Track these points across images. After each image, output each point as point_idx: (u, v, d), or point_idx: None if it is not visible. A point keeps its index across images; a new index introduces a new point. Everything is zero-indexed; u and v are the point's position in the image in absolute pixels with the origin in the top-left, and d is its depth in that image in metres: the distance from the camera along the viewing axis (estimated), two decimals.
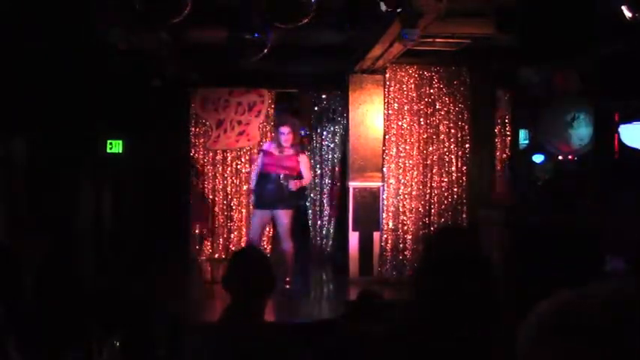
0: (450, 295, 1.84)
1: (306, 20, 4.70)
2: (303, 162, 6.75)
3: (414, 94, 7.71)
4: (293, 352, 2.56)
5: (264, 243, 8.53)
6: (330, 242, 9.29)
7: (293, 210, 6.78)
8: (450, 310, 1.81)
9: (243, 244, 8.91)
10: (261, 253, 2.80)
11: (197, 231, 9.11)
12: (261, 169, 6.76)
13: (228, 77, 8.86)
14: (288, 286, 6.59)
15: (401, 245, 7.66)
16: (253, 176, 6.98)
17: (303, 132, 9.47)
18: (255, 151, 8.69)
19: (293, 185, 6.63)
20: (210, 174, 9.18)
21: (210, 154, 9.17)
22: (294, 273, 6.92)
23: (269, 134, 9.02)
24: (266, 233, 8.45)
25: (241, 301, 2.54)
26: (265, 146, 6.99)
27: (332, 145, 9.37)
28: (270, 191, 6.61)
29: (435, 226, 7.62)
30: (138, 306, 5.41)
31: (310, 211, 9.42)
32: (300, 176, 6.80)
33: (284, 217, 6.65)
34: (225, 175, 9.17)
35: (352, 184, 7.90)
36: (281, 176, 6.58)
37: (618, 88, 6.68)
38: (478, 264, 1.89)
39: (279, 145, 6.70)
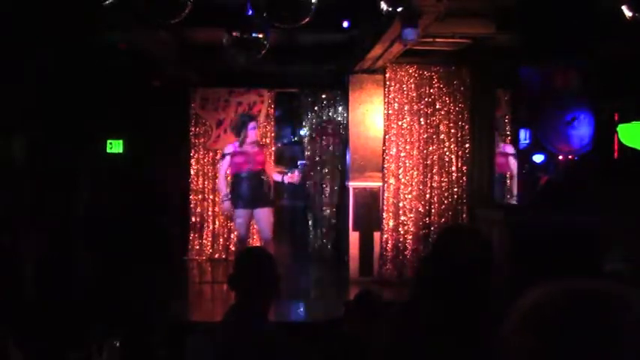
0: (458, 296, 1.84)
1: (306, 20, 4.70)
2: (267, 154, 6.83)
3: (414, 94, 7.70)
4: (295, 352, 2.56)
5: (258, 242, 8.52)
6: (330, 242, 9.28)
7: (274, 208, 6.80)
8: (457, 311, 1.81)
9: (237, 245, 8.91)
10: (268, 253, 2.80)
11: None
12: (233, 170, 6.74)
13: (228, 77, 8.86)
14: None
15: (401, 245, 7.65)
16: (221, 182, 6.96)
17: (302, 132, 9.49)
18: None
19: (291, 179, 6.66)
20: (210, 174, 9.18)
21: (210, 154, 9.16)
22: (294, 272, 6.92)
23: (269, 134, 9.03)
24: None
25: (247, 300, 2.54)
26: (229, 149, 6.83)
27: (332, 145, 9.37)
28: (247, 190, 6.61)
29: (435, 226, 7.62)
30: (138, 306, 5.41)
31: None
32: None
33: (266, 215, 6.65)
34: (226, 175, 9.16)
35: (352, 184, 7.89)
36: (261, 172, 6.62)
37: (618, 88, 6.69)
38: (486, 266, 1.90)
39: (245, 143, 6.66)
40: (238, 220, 6.84)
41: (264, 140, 8.63)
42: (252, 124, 6.75)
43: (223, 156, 6.89)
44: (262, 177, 6.62)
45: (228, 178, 6.97)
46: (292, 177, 6.70)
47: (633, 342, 0.77)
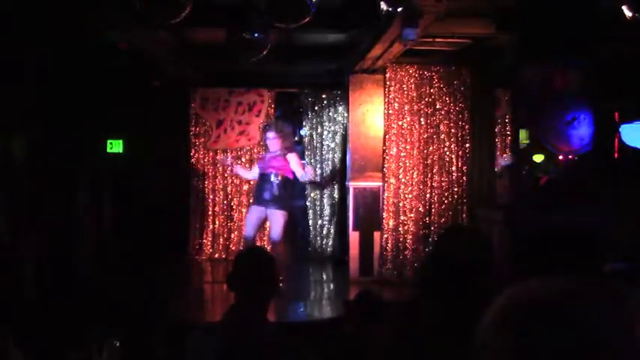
0: (460, 296, 1.84)
1: (306, 20, 4.70)
2: (292, 160, 6.93)
3: (414, 94, 7.70)
4: (296, 352, 2.56)
5: (258, 241, 8.54)
6: (330, 242, 9.28)
7: (287, 211, 6.90)
8: (457, 311, 1.81)
9: (243, 244, 8.92)
10: (267, 254, 2.81)
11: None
12: (259, 171, 7.11)
13: (228, 77, 8.86)
14: (280, 285, 6.62)
15: (401, 245, 7.65)
16: (242, 170, 7.70)
17: (302, 132, 9.49)
18: (255, 150, 8.86)
19: (310, 173, 7.16)
20: (210, 174, 9.18)
21: (210, 153, 9.16)
22: (294, 272, 6.93)
23: None
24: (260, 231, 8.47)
25: (246, 301, 2.54)
26: (261, 156, 7.49)
27: (332, 145, 9.37)
28: (264, 190, 6.90)
29: (435, 226, 7.62)
30: (138, 306, 5.42)
31: (310, 211, 9.41)
32: (295, 177, 7.02)
33: (277, 217, 6.83)
34: (226, 175, 9.17)
35: (352, 184, 7.89)
36: (274, 175, 6.86)
37: (618, 88, 6.68)
38: (487, 265, 1.90)
39: (268, 150, 7.06)
40: (248, 215, 7.18)
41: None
42: (268, 134, 7.01)
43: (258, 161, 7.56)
44: (272, 180, 6.83)
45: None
46: (308, 171, 7.10)
47: (622, 342, 0.77)
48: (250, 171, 7.57)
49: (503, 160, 8.28)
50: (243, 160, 9.14)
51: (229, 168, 8.08)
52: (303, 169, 7.02)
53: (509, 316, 0.82)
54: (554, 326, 0.78)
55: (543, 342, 0.78)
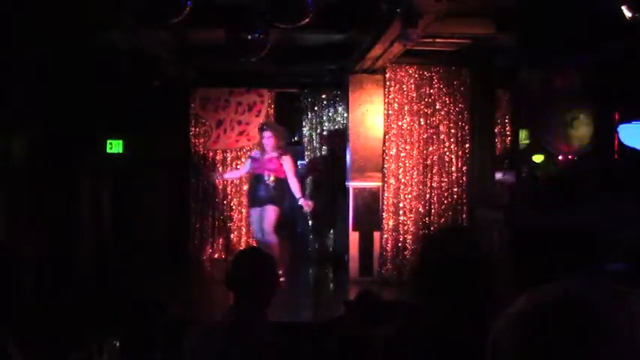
0: (456, 296, 1.84)
1: (306, 20, 4.70)
2: (287, 164, 7.02)
3: (414, 94, 7.70)
4: (295, 352, 2.56)
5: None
6: (330, 242, 9.28)
7: (279, 208, 7.04)
8: (457, 312, 1.81)
9: (243, 244, 8.93)
10: (265, 253, 2.80)
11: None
12: (253, 172, 7.22)
13: (228, 77, 8.86)
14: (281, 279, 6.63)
15: (401, 245, 7.65)
16: (232, 171, 7.89)
17: (296, 136, 9.52)
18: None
19: (306, 206, 7.15)
20: (210, 174, 9.17)
21: (211, 154, 9.16)
22: (294, 272, 6.94)
23: None
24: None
25: (245, 301, 2.54)
26: (253, 154, 7.47)
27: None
28: (260, 191, 7.02)
29: (435, 226, 7.62)
30: (138, 306, 5.41)
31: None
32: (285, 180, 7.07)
33: (270, 212, 6.96)
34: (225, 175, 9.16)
35: (352, 184, 7.89)
36: (268, 177, 6.97)
37: (618, 88, 6.68)
38: (480, 264, 1.90)
39: (264, 150, 7.10)
40: (251, 218, 7.33)
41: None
42: (265, 134, 7.06)
43: (248, 158, 7.57)
44: (267, 182, 6.93)
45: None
46: (307, 204, 7.15)
47: (622, 342, 0.77)
48: (239, 170, 7.72)
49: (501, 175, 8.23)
50: (243, 160, 9.14)
51: (218, 180, 8.59)
52: (307, 202, 7.15)
53: (515, 320, 0.83)
54: (556, 329, 0.78)
55: (547, 345, 0.78)
